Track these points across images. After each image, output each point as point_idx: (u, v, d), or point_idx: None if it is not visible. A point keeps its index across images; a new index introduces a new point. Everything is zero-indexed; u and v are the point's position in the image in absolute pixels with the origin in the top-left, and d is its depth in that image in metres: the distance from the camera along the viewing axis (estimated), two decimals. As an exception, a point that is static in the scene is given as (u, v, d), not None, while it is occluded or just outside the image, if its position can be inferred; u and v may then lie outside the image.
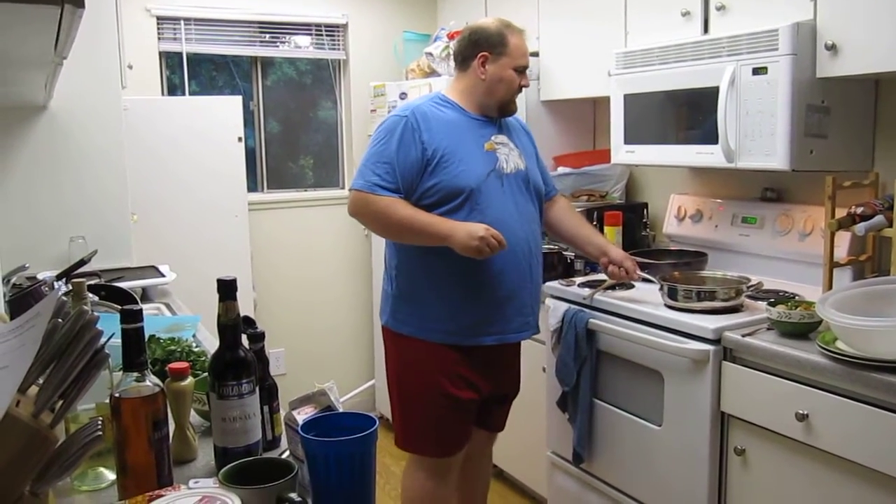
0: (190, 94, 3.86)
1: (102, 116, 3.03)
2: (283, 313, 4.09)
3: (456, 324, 2.25)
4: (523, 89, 2.34)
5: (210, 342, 2.07)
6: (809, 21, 2.20)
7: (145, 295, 2.78)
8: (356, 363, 4.35)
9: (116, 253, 3.03)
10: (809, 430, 1.90)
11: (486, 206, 2.20)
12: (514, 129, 2.41)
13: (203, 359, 1.75)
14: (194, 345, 1.93)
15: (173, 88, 3.88)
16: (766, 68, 2.26)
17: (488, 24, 2.33)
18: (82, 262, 2.48)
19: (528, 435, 2.98)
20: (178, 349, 1.79)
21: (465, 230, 2.11)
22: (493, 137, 2.29)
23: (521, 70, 2.31)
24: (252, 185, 4.02)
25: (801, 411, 1.91)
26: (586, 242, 2.50)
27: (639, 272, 2.42)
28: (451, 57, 2.68)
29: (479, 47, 2.28)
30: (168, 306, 2.69)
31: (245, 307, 2.98)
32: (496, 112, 2.33)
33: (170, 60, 3.85)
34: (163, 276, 2.87)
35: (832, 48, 2.16)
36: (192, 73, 3.89)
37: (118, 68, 3.03)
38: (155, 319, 2.31)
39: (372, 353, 4.32)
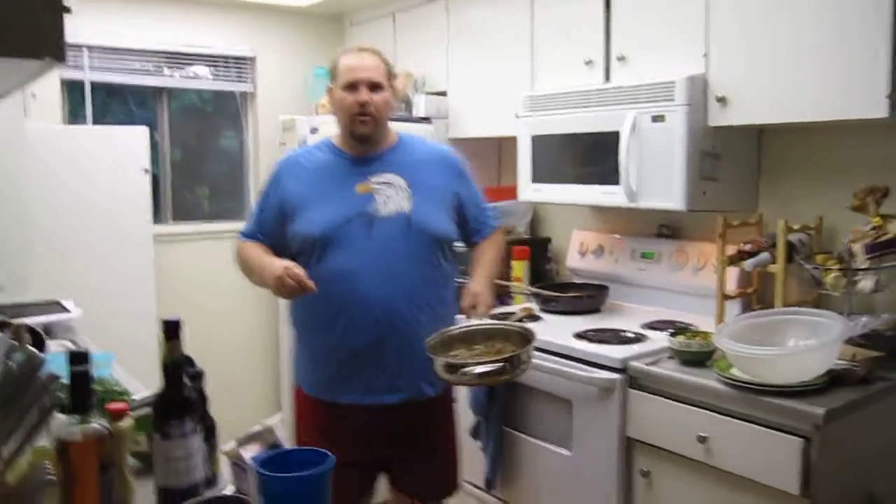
0: (94, 122, 3.76)
1: (3, 145, 2.92)
2: (190, 346, 3.99)
3: (316, 376, 2.13)
4: (366, 106, 2.04)
5: (126, 380, 2.04)
6: (702, 75, 2.41)
7: (49, 331, 2.67)
8: (261, 397, 4.29)
9: (16, 287, 2.91)
10: (709, 451, 2.06)
11: (333, 255, 2.02)
12: (420, 165, 2.14)
13: (125, 397, 1.73)
14: (115, 384, 1.89)
15: (76, 117, 3.77)
16: (663, 116, 2.45)
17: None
18: (-18, 299, 2.38)
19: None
20: (101, 389, 1.76)
21: (270, 269, 1.94)
22: (370, 178, 2.06)
23: (350, 86, 2.06)
24: (157, 217, 3.94)
25: (701, 434, 2.07)
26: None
27: (478, 312, 2.04)
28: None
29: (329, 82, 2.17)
30: (74, 343, 2.60)
31: (150, 341, 2.90)
32: (355, 141, 2.10)
33: (72, 88, 3.75)
34: (67, 311, 2.78)
35: (721, 100, 2.37)
36: (95, 101, 3.80)
37: (20, 97, 2.94)
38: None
39: (277, 387, 4.27)
